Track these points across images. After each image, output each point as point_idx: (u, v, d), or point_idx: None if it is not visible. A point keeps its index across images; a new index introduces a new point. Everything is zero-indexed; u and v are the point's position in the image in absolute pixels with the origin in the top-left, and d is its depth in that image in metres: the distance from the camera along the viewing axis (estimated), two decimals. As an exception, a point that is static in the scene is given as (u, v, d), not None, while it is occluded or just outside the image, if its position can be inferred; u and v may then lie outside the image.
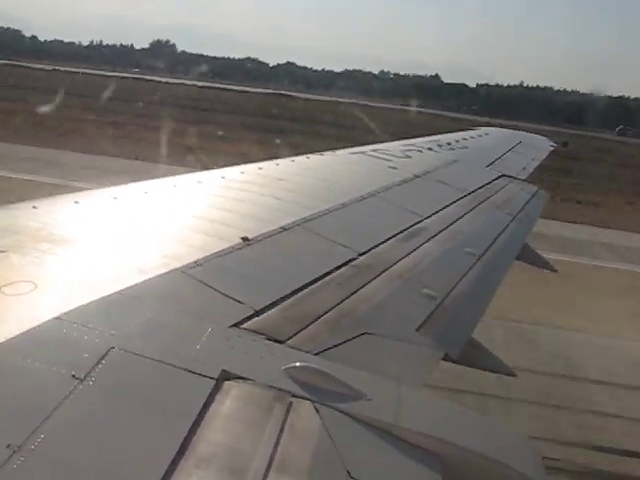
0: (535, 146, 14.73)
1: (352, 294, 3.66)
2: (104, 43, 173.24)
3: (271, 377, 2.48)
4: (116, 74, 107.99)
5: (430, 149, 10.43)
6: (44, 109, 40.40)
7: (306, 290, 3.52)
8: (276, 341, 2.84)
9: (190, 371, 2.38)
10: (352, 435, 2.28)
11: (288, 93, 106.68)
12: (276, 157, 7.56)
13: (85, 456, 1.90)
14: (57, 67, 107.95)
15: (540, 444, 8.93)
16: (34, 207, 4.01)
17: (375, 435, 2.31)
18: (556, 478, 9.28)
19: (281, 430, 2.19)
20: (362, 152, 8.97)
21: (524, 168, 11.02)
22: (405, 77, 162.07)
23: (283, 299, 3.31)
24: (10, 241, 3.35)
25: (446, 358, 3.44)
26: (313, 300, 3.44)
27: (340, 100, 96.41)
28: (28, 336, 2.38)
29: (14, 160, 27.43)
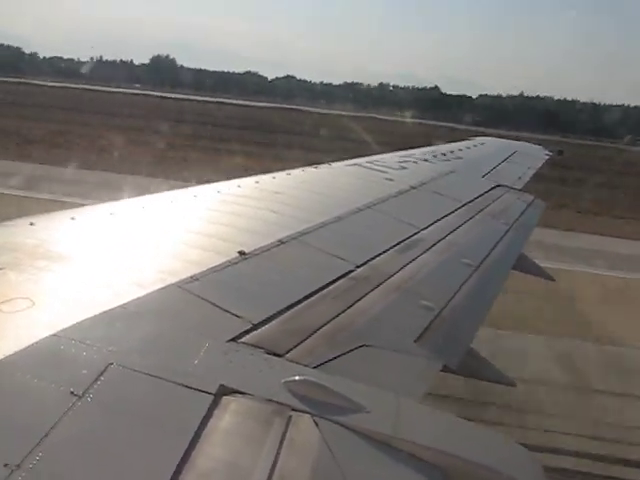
0: (530, 155, 14.80)
1: (350, 306, 3.66)
2: (104, 59, 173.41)
3: (270, 391, 2.47)
4: (127, 90, 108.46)
5: (426, 160, 10.48)
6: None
7: (304, 303, 3.52)
8: (274, 355, 2.84)
9: (188, 386, 2.38)
10: (352, 448, 2.27)
11: (297, 107, 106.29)
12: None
13: (84, 474, 1.89)
14: (67, 84, 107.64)
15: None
16: (31, 224, 4.01)
17: (375, 448, 2.31)
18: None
19: (280, 444, 2.18)
20: (358, 164, 9.00)
21: (520, 177, 11.07)
22: (404, 89, 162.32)
23: (281, 312, 3.31)
24: (7, 258, 3.35)
25: (445, 369, 3.44)
26: (311, 313, 3.43)
27: (349, 114, 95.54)
28: (26, 353, 2.37)
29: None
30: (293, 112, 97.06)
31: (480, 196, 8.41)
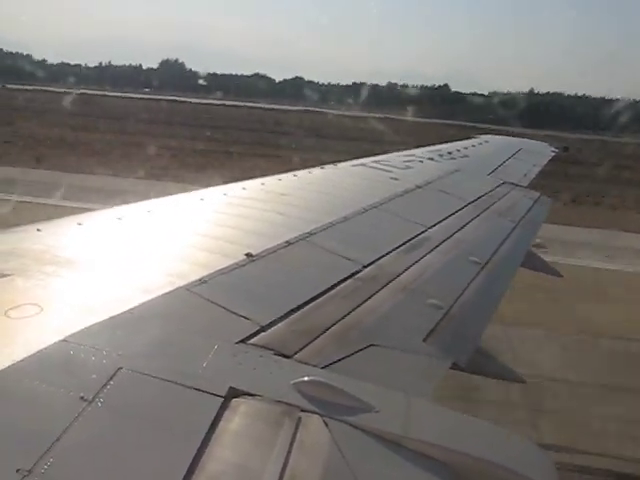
0: (536, 152, 14.75)
1: (358, 306, 3.66)
2: (113, 64, 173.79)
3: (279, 392, 2.47)
4: (147, 96, 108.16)
5: (431, 159, 10.46)
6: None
7: (312, 304, 3.52)
8: (283, 356, 2.84)
9: (198, 389, 2.38)
10: (362, 448, 2.27)
11: (314, 109, 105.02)
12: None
13: (95, 478, 1.90)
14: (84, 91, 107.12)
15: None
16: (38, 230, 4.03)
17: (385, 447, 2.30)
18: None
19: (291, 445, 2.18)
20: (363, 164, 9.00)
21: (525, 175, 11.03)
22: (414, 88, 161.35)
23: (289, 314, 3.31)
24: (15, 264, 3.37)
25: (454, 367, 3.43)
26: (319, 314, 3.43)
27: (366, 115, 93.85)
28: (35, 359, 2.38)
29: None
30: (312, 114, 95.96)
31: (486, 194, 8.39)
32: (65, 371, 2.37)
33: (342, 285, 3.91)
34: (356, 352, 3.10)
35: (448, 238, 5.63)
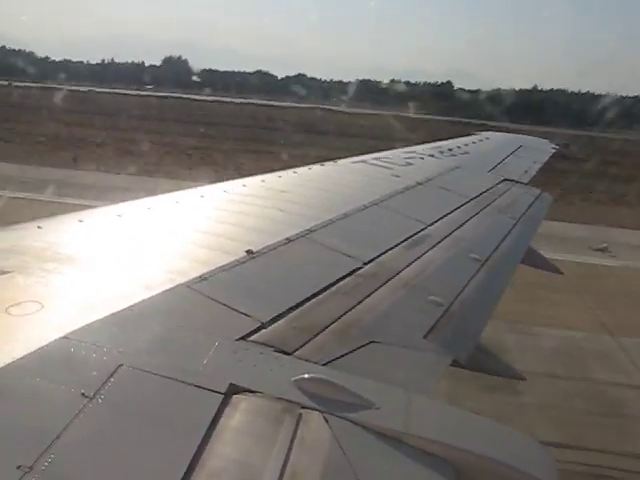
0: (536, 149, 14.73)
1: (358, 303, 3.66)
2: (115, 61, 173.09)
3: (280, 389, 2.47)
4: (161, 94, 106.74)
5: (431, 156, 10.45)
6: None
7: (312, 301, 3.52)
8: (284, 353, 2.84)
9: (198, 386, 2.38)
10: (363, 445, 2.27)
11: (323, 107, 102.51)
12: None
13: (96, 475, 1.90)
14: (90, 88, 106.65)
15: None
16: (39, 227, 4.03)
17: (386, 444, 2.31)
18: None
19: (291, 442, 2.18)
20: (364, 161, 8.99)
21: (526, 171, 11.01)
22: (416, 85, 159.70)
23: (290, 310, 3.31)
24: (16, 261, 3.37)
25: (455, 364, 3.43)
26: (320, 311, 3.44)
27: (375, 113, 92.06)
28: (36, 356, 2.38)
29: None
30: (322, 112, 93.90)
31: (486, 191, 8.39)
32: (66, 368, 2.38)
33: (343, 282, 3.91)
34: (357, 349, 3.10)
35: (448, 235, 5.63)
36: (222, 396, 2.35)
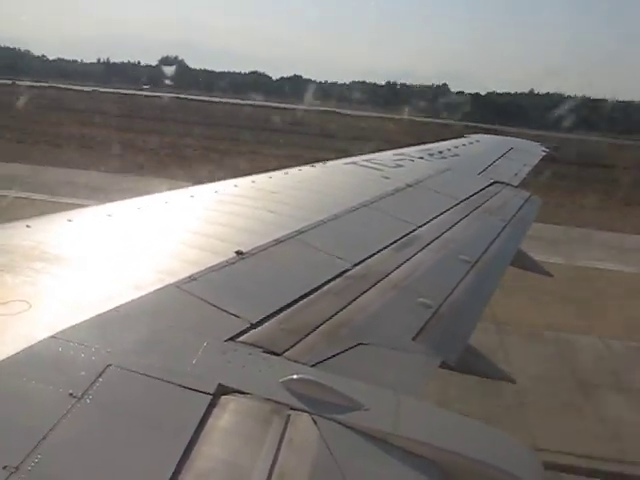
0: (527, 152, 14.78)
1: (348, 305, 3.66)
2: (111, 60, 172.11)
3: (268, 390, 2.47)
4: (169, 95, 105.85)
5: (422, 158, 10.46)
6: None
7: (302, 302, 3.52)
8: (273, 354, 2.84)
9: (187, 386, 2.38)
10: (351, 446, 2.28)
11: (330, 109, 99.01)
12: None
13: (83, 475, 1.89)
14: (95, 88, 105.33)
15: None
16: (27, 226, 4.01)
17: (374, 445, 2.31)
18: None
19: (279, 443, 2.18)
20: (354, 162, 9.00)
21: (516, 174, 11.05)
22: (412, 87, 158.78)
23: (279, 311, 3.31)
24: (4, 260, 3.35)
25: (443, 366, 3.44)
26: (309, 312, 3.44)
27: (380, 116, 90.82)
28: (24, 356, 2.37)
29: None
30: (330, 115, 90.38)
31: (476, 193, 8.41)
32: (54, 368, 2.37)
33: (332, 283, 3.92)
34: (346, 350, 3.10)
35: (438, 237, 5.64)
36: (210, 397, 2.35)
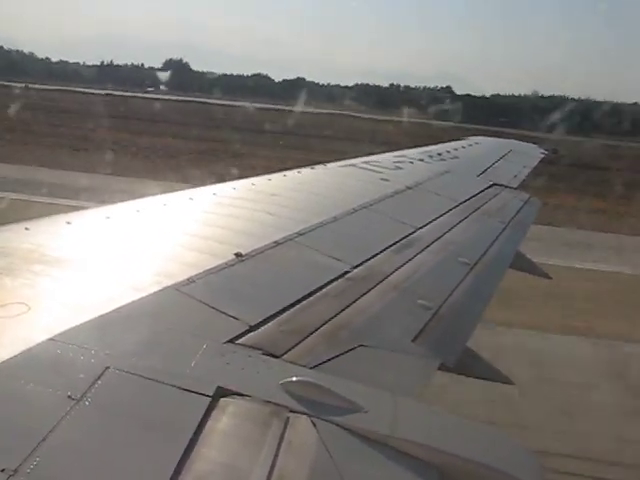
0: (525, 154, 14.80)
1: (347, 307, 3.66)
2: (114, 63, 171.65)
3: (268, 392, 2.47)
4: (183, 98, 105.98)
5: (421, 160, 10.47)
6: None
7: (301, 304, 3.52)
8: (272, 356, 2.84)
9: (186, 389, 2.37)
10: (350, 448, 2.27)
11: (352, 114, 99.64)
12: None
13: (82, 477, 1.89)
14: (109, 92, 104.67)
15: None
16: (26, 228, 4.00)
17: (372, 447, 2.31)
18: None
19: (279, 445, 2.18)
20: (353, 165, 8.99)
21: (515, 176, 11.07)
22: (416, 90, 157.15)
23: (278, 314, 3.31)
24: (2, 263, 3.34)
25: (442, 368, 3.44)
26: (308, 314, 3.43)
27: (391, 119, 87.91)
28: (22, 358, 2.37)
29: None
30: (347, 118, 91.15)
31: (476, 195, 8.42)
32: (53, 370, 2.37)
33: (331, 285, 3.91)
34: (345, 352, 3.10)
35: (438, 239, 5.64)
36: (210, 399, 2.35)
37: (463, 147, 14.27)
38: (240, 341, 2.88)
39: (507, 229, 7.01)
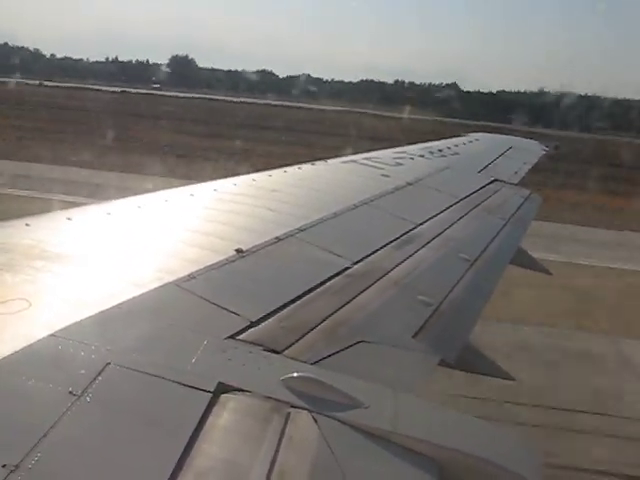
0: (526, 150, 14.79)
1: (347, 303, 3.66)
2: (119, 59, 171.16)
3: (268, 388, 2.47)
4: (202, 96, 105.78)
5: (422, 156, 10.47)
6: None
7: (302, 300, 3.52)
8: (273, 352, 2.84)
9: (187, 385, 2.37)
10: (350, 444, 2.28)
11: (367, 111, 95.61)
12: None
13: (83, 473, 1.89)
14: (125, 89, 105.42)
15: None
16: (27, 224, 4.00)
17: (373, 443, 2.31)
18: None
19: (279, 441, 2.18)
20: (354, 161, 9.00)
21: (516, 172, 11.06)
22: (421, 86, 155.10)
23: (279, 309, 3.31)
24: (3, 259, 3.35)
25: (443, 364, 3.44)
26: (309, 310, 3.44)
27: (403, 116, 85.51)
28: (23, 354, 2.37)
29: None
30: (369, 117, 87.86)
31: (476, 191, 8.41)
32: (53, 366, 2.37)
33: (332, 281, 3.92)
34: (346, 348, 3.10)
35: (438, 235, 5.64)
36: (210, 395, 2.35)
37: (464, 143, 14.27)
38: (241, 337, 2.88)
39: (507, 225, 7.01)
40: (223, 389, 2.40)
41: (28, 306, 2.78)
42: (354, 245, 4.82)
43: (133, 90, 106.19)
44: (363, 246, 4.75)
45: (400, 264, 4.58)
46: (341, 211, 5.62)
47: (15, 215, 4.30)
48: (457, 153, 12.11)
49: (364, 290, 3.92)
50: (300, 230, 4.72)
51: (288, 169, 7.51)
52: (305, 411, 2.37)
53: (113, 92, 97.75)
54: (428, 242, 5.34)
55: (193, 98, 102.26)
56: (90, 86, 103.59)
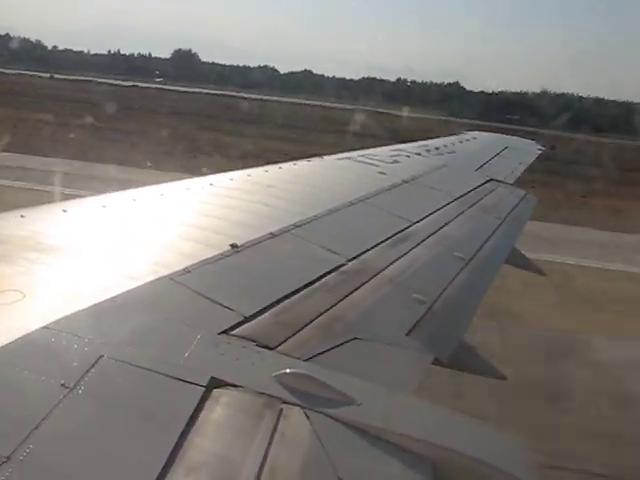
0: (522, 150, 14.80)
1: (342, 300, 3.66)
2: (122, 52, 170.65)
3: (261, 384, 2.47)
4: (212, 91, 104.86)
5: (418, 154, 10.47)
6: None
7: (296, 296, 3.52)
8: (266, 347, 2.84)
9: (179, 379, 2.37)
10: (343, 441, 2.28)
11: (377, 109, 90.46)
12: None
13: (75, 466, 1.89)
14: (136, 83, 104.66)
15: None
16: (22, 216, 3.99)
17: (366, 440, 2.31)
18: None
19: (271, 437, 2.18)
20: (350, 158, 8.98)
21: (512, 172, 11.07)
22: (423, 85, 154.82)
23: (273, 305, 3.31)
24: None
25: (436, 362, 3.45)
26: (303, 306, 3.44)
27: (409, 115, 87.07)
28: (16, 345, 2.36)
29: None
30: (391, 117, 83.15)
31: (472, 190, 8.42)
32: (46, 358, 2.36)
33: (326, 278, 3.91)
34: (339, 345, 3.10)
35: (433, 233, 5.65)
36: (203, 389, 2.35)
37: (460, 142, 14.27)
38: (234, 332, 2.88)
39: (503, 225, 7.02)
40: (216, 384, 2.40)
41: (22, 297, 2.77)
42: (349, 242, 4.82)
43: (141, 84, 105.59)
44: (358, 243, 4.75)
45: (395, 262, 4.58)
46: (337, 208, 5.62)
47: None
48: (454, 151, 12.11)
49: (358, 287, 3.92)
50: (295, 226, 4.72)
51: (284, 165, 7.50)
52: (297, 407, 2.37)
53: (124, 86, 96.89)
54: (423, 240, 5.34)
55: (207, 94, 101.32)
56: (98, 79, 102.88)
